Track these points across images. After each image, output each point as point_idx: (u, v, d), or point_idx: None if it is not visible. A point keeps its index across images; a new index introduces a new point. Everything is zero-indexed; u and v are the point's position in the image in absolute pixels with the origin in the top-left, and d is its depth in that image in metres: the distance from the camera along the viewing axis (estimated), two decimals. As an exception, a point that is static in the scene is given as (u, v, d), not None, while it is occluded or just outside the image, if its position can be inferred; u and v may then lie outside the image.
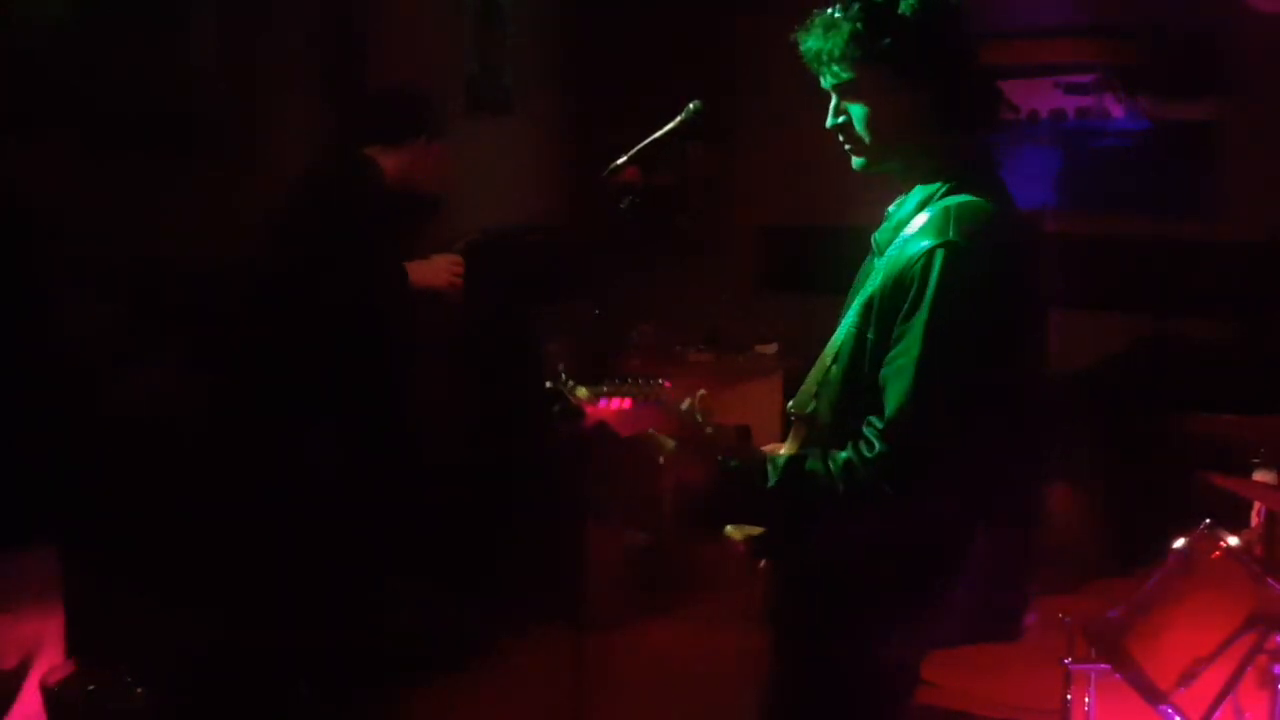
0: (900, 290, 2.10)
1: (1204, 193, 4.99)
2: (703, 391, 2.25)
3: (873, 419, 2.10)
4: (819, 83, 2.27)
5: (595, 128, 5.17)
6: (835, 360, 2.25)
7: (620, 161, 2.59)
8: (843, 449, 2.12)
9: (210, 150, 4.39)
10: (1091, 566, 4.55)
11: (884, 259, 2.20)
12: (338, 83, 4.79)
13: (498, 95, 5.34)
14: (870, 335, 2.15)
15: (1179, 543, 3.21)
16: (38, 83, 3.93)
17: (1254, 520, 3.35)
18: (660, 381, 2.24)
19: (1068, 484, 4.86)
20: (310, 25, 4.75)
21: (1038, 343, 2.31)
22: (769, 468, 2.15)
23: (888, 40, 2.13)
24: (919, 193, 2.22)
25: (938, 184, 2.19)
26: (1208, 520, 3.20)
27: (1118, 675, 3.11)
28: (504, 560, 4.41)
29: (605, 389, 2.20)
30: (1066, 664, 3.26)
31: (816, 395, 2.29)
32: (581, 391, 2.21)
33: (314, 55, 4.76)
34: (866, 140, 2.22)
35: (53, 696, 3.14)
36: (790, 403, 2.38)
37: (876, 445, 2.07)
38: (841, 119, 2.23)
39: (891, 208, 2.30)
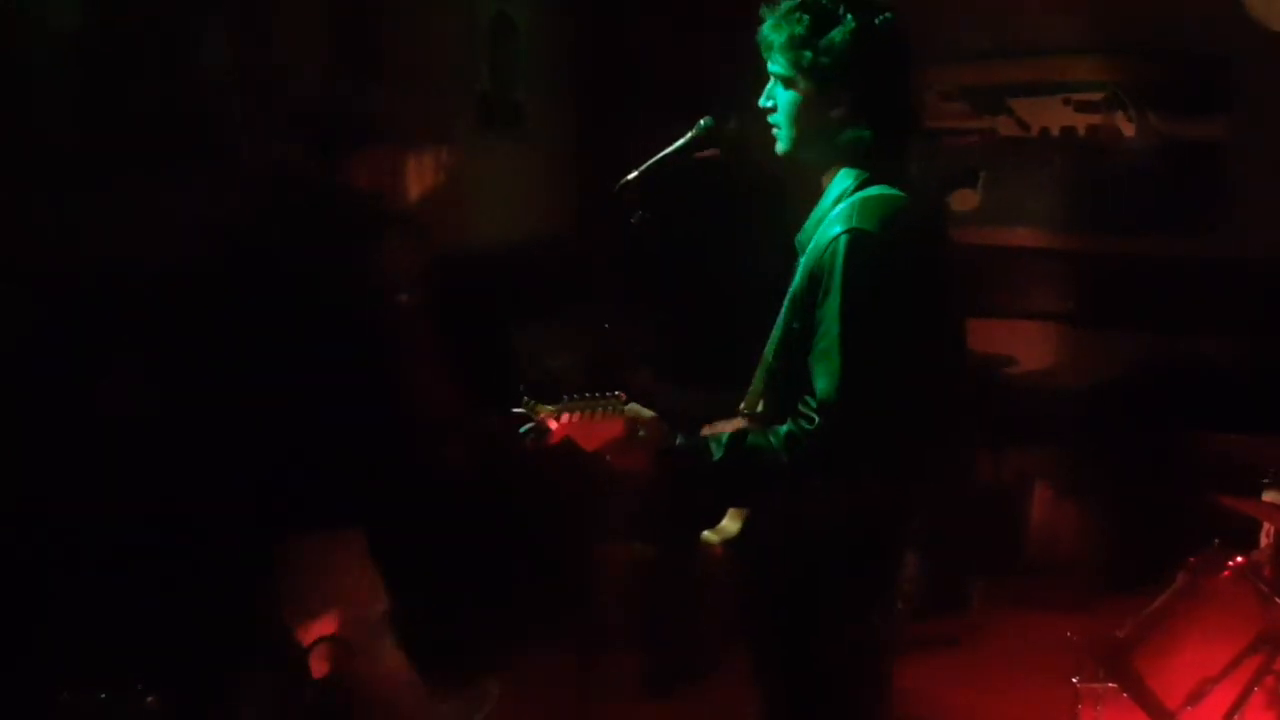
0: (814, 279, 2.27)
1: (1213, 212, 4.99)
2: (618, 393, 2.35)
3: (808, 398, 2.23)
4: None
5: (606, 143, 5.18)
6: (775, 357, 2.39)
7: (631, 177, 2.60)
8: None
9: (222, 162, 4.41)
10: (1100, 585, 4.55)
11: (803, 257, 2.35)
12: (351, 96, 4.81)
13: (509, 110, 5.36)
14: (796, 326, 2.30)
15: (1188, 562, 3.21)
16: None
17: (1263, 541, 3.34)
18: (616, 393, 2.32)
19: (1076, 502, 4.86)
20: (325, 40, 4.77)
21: (953, 329, 2.46)
22: (712, 444, 2.27)
23: (809, 54, 2.30)
24: (834, 189, 2.37)
25: (850, 180, 2.35)
26: (1216, 540, 3.20)
27: (1125, 694, 3.11)
28: (508, 576, 4.41)
29: (566, 404, 2.28)
30: (1075, 683, 3.25)
31: (764, 394, 2.42)
32: (545, 409, 2.29)
33: (328, 70, 4.78)
34: (787, 126, 2.38)
35: (65, 705, 3.16)
36: (741, 404, 2.47)
37: (816, 419, 2.20)
38: (770, 102, 2.40)
39: (814, 209, 2.43)
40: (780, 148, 2.42)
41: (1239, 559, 3.11)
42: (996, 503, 4.87)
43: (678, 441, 2.30)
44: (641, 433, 2.30)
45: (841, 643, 2.36)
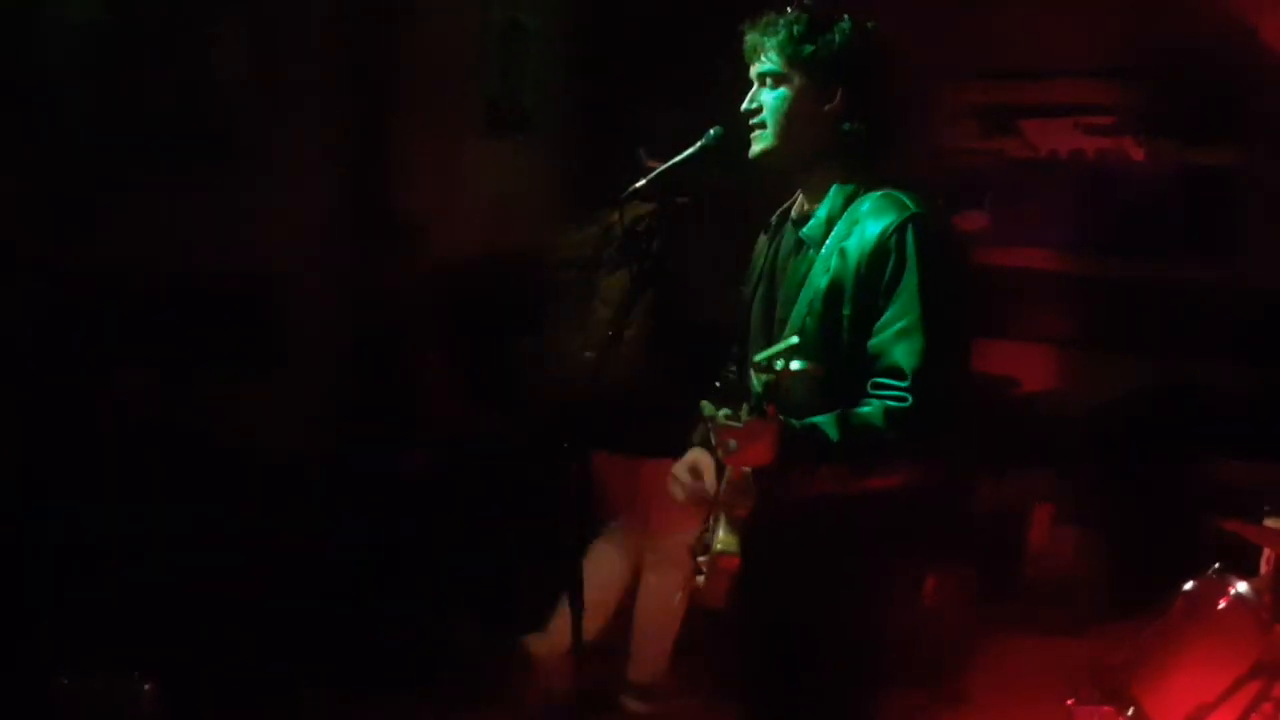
0: (876, 265, 2.31)
1: (1221, 238, 4.98)
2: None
3: (884, 379, 2.28)
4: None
5: (614, 150, 5.18)
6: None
7: (639, 184, 2.59)
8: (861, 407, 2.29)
9: (238, 164, 4.44)
10: (1098, 608, 4.53)
11: (828, 250, 2.39)
12: (364, 99, 4.83)
13: (518, 115, 5.36)
14: (846, 312, 2.34)
15: (1187, 586, 3.20)
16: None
17: (1263, 568, 3.32)
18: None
19: (1076, 524, 4.84)
20: (338, 42, 4.79)
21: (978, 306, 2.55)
22: (825, 427, 2.27)
23: (808, 48, 2.40)
24: (838, 191, 2.43)
25: (853, 184, 2.42)
26: (1216, 565, 3.19)
27: (1121, 718, 3.09)
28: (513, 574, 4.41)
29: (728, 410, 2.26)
30: (1070, 705, 3.24)
31: (784, 389, 2.37)
32: (746, 414, 2.21)
33: (341, 72, 4.79)
34: (772, 125, 2.43)
35: (64, 694, 3.18)
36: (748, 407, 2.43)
37: (908, 398, 2.25)
38: (755, 104, 2.46)
39: (811, 208, 2.47)
40: (759, 147, 2.45)
41: (1239, 585, 3.09)
42: (996, 523, 4.86)
43: (796, 426, 2.26)
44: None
45: (886, 619, 2.41)
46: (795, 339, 2.17)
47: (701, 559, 2.46)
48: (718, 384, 2.31)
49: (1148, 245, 5.13)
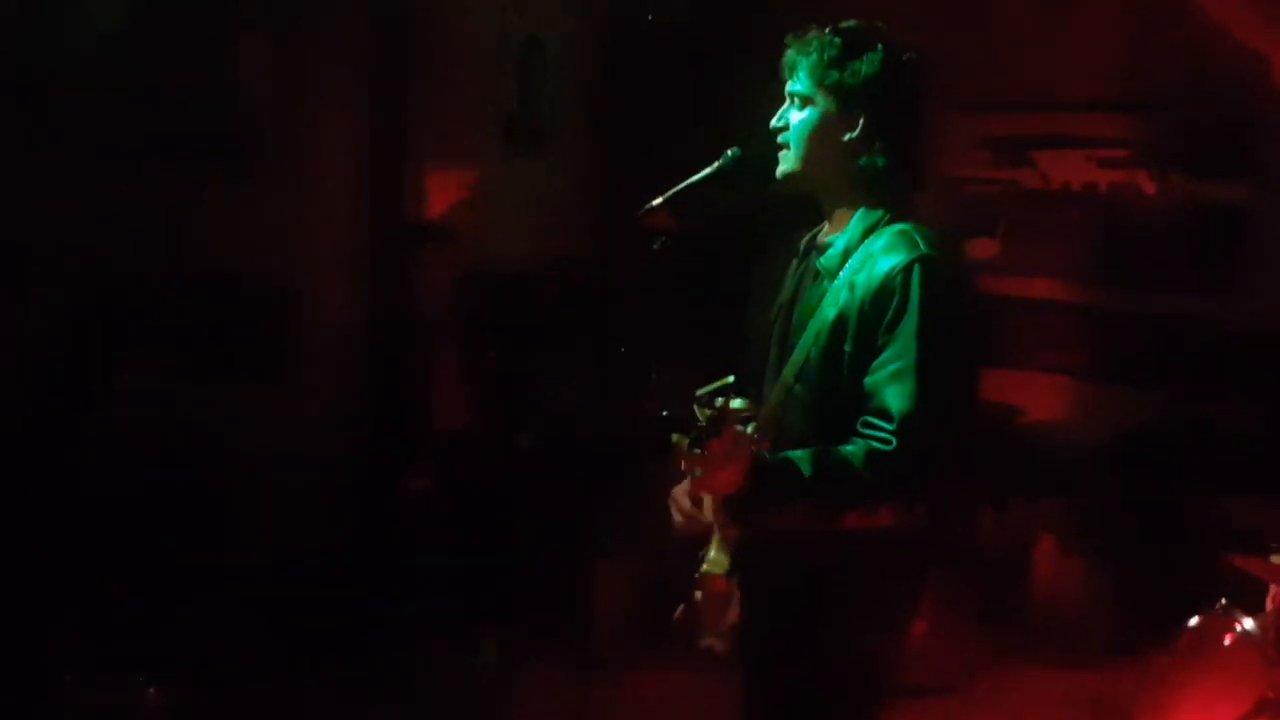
0: (880, 303, 2.29)
1: (1231, 275, 4.98)
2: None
3: (873, 419, 2.25)
4: None
5: (630, 170, 5.19)
6: (799, 379, 2.39)
7: (655, 203, 2.60)
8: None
9: (262, 172, 4.47)
10: (1102, 641, 4.51)
11: (840, 282, 2.37)
12: (384, 112, 4.86)
13: (534, 134, 5.39)
14: (848, 348, 2.32)
15: (1193, 622, 3.19)
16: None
17: (1269, 604, 3.31)
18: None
19: (1081, 557, 4.83)
20: (357, 57, 4.81)
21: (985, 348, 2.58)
22: (798, 461, 2.25)
23: (835, 74, 2.37)
24: (860, 221, 2.41)
25: (879, 213, 2.40)
26: (1223, 601, 3.18)
27: (1124, 752, 3.08)
28: (515, 592, 4.41)
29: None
30: (1073, 738, 3.23)
31: (782, 418, 2.41)
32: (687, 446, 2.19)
33: (360, 86, 4.82)
34: (795, 148, 2.43)
35: (67, 695, 3.19)
36: (750, 429, 2.41)
37: (893, 441, 2.22)
38: (782, 122, 2.45)
39: (831, 237, 2.45)
40: (784, 168, 2.45)
41: (1245, 621, 3.08)
42: (1001, 554, 4.85)
43: (767, 458, 2.25)
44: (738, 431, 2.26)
45: (872, 653, 2.38)
46: (731, 378, 2.18)
47: (697, 575, 2.46)
48: (665, 414, 2.22)
49: (1159, 279, 5.12)
